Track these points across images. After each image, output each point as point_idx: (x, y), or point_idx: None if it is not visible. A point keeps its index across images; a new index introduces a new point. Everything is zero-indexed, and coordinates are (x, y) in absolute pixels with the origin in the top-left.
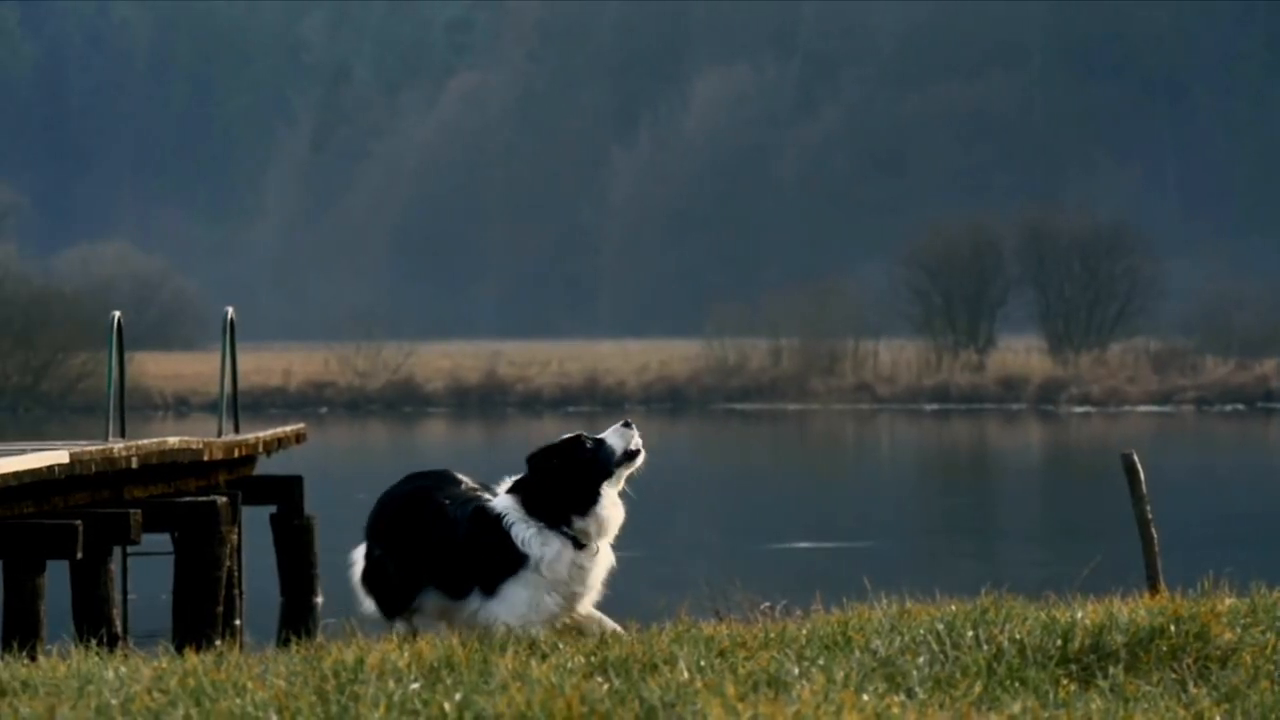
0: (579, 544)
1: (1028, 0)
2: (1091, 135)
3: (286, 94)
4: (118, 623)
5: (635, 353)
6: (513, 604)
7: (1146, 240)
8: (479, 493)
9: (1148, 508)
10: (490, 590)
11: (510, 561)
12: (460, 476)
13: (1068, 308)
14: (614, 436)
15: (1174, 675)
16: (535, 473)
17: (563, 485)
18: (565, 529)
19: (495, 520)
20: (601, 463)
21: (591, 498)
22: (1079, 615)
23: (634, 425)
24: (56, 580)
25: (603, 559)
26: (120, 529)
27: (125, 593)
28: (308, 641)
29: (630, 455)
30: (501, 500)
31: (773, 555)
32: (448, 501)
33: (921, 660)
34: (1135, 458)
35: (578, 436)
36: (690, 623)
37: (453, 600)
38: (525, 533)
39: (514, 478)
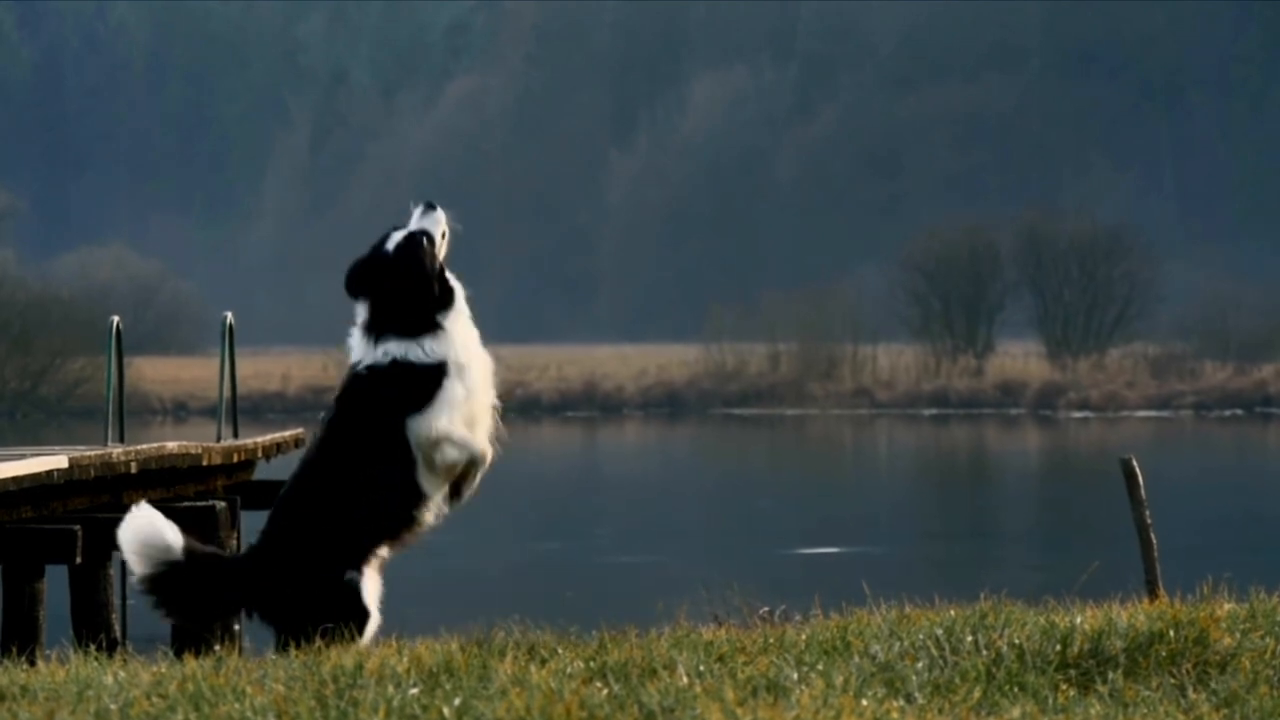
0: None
1: (1025, 2)
2: (1089, 138)
3: (283, 97)
4: (117, 627)
5: (633, 357)
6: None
7: (1144, 243)
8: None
9: (1147, 512)
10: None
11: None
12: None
13: (1066, 312)
14: (429, 223)
15: (1173, 680)
16: (392, 298)
17: (421, 296)
18: (437, 332)
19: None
20: (433, 253)
21: (447, 290)
22: (1078, 620)
23: (435, 203)
24: (55, 585)
25: (477, 354)
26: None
27: (124, 597)
28: (306, 646)
29: (444, 234)
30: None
31: (771, 560)
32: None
33: (920, 665)
34: (1134, 462)
35: (411, 236)
36: (689, 627)
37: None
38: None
39: (362, 319)
